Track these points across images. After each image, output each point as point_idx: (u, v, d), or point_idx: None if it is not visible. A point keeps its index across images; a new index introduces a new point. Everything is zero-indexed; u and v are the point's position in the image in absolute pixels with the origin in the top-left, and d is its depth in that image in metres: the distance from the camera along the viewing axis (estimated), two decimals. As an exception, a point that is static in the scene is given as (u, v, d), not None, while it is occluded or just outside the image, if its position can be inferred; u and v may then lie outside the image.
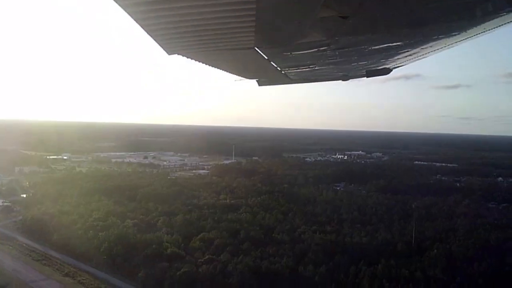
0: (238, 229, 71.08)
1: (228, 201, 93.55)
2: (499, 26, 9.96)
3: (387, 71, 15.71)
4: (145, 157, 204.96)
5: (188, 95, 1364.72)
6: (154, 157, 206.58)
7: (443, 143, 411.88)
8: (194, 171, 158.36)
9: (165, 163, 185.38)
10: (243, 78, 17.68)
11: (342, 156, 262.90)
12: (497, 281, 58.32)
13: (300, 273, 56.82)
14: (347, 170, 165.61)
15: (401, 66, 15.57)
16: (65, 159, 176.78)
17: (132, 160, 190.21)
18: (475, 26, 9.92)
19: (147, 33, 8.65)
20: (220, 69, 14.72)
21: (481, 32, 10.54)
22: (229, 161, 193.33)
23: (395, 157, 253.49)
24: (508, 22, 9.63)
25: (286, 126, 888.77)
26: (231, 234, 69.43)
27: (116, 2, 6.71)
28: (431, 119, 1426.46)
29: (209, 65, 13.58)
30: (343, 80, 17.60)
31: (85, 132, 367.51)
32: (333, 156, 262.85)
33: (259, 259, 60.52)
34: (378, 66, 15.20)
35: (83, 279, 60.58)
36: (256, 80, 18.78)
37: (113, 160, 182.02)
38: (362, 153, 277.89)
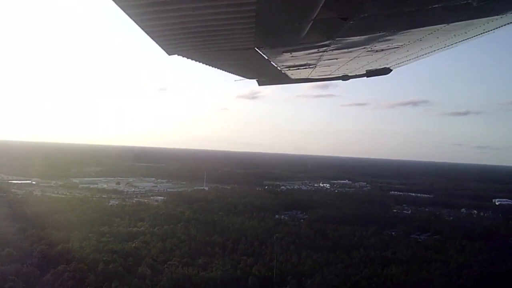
0: (107, 260, 66.56)
1: (135, 229, 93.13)
2: (500, 27, 10.17)
3: (387, 71, 16.16)
4: (118, 183, 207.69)
5: (196, 119, 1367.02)
6: (127, 183, 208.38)
7: (448, 173, 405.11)
8: (152, 197, 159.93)
9: (133, 189, 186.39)
10: (243, 78, 18.17)
11: (324, 184, 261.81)
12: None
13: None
14: (303, 199, 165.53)
15: (401, 66, 15.95)
16: (33, 183, 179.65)
17: (103, 185, 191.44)
18: (475, 26, 10.08)
19: (147, 34, 8.85)
20: (220, 69, 15.19)
21: (481, 33, 10.76)
22: (196, 188, 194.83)
23: (377, 187, 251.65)
24: (508, 23, 9.84)
25: (292, 152, 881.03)
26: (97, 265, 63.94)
27: (117, 4, 6.86)
28: (445, 148, 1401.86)
29: (209, 65, 14.00)
30: (343, 80, 17.85)
31: (79, 155, 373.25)
32: (315, 185, 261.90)
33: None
34: (378, 66, 15.53)
35: None
36: (256, 80, 19.34)
37: (82, 185, 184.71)
38: (348, 182, 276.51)
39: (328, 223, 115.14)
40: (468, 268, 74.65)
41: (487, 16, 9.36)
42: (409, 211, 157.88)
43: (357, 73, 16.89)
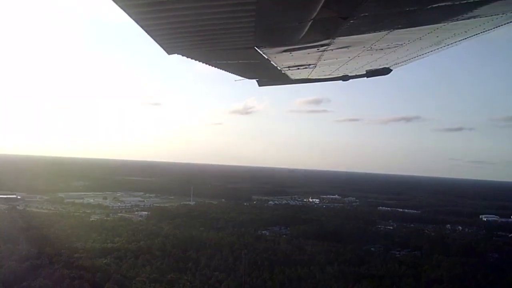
0: (73, 277, 64.69)
1: (110, 244, 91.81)
2: (500, 26, 10.19)
3: (387, 71, 16.12)
4: (105, 198, 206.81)
5: (191, 133, 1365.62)
6: (114, 198, 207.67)
7: (440, 188, 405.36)
8: (136, 212, 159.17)
9: (118, 204, 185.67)
10: (243, 78, 18.04)
11: (313, 200, 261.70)
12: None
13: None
14: (288, 214, 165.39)
15: (401, 65, 15.96)
16: (18, 198, 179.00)
17: (89, 200, 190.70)
18: (475, 25, 10.10)
19: (147, 32, 8.72)
20: (220, 68, 15.04)
21: (481, 32, 10.79)
22: (183, 203, 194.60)
23: (366, 202, 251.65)
24: (508, 22, 9.88)
25: (285, 166, 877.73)
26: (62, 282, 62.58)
27: (116, 4, 6.79)
28: (440, 163, 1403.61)
29: (209, 65, 13.88)
30: (343, 80, 17.70)
31: (68, 169, 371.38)
32: (304, 200, 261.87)
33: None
34: (378, 66, 15.50)
35: None
36: (256, 80, 19.17)
37: (67, 200, 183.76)
38: (338, 197, 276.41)
39: (309, 239, 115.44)
40: (438, 284, 74.82)
41: (487, 15, 9.37)
42: (393, 227, 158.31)
43: (357, 73, 16.89)
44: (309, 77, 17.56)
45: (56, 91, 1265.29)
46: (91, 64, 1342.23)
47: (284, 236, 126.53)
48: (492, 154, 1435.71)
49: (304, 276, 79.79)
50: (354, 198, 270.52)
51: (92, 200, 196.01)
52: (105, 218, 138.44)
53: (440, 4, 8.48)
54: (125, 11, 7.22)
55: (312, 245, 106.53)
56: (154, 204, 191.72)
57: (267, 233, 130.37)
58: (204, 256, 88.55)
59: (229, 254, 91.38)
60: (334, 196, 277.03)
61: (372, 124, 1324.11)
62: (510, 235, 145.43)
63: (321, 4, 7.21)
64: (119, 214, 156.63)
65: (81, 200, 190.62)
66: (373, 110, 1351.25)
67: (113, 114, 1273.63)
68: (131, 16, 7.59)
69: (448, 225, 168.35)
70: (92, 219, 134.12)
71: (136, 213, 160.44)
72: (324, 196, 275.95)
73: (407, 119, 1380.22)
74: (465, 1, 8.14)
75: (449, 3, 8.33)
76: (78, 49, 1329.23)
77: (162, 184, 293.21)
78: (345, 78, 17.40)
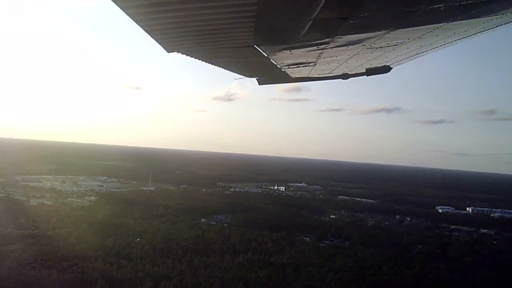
0: None
1: (29, 231, 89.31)
2: (499, 25, 10.24)
3: (387, 69, 16.14)
4: (63, 182, 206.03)
5: (174, 119, 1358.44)
6: (73, 182, 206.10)
7: (413, 178, 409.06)
8: (86, 197, 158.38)
9: (74, 188, 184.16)
10: (243, 77, 18.01)
11: (279, 187, 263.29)
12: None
13: None
14: (240, 202, 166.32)
15: (400, 64, 16.08)
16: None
17: (45, 184, 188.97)
18: (475, 25, 10.15)
19: (147, 32, 8.75)
20: (220, 67, 15.10)
21: (481, 32, 10.87)
22: (141, 189, 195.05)
23: (329, 191, 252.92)
24: (508, 22, 9.94)
25: (265, 153, 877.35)
26: None
27: (116, 4, 6.76)
28: (425, 154, 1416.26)
29: (209, 63, 13.83)
30: (343, 78, 17.71)
31: (46, 152, 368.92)
32: (270, 187, 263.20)
33: None
34: (378, 64, 15.54)
35: None
36: (256, 79, 19.09)
37: (21, 183, 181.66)
38: (304, 185, 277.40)
39: (245, 228, 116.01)
40: (333, 272, 75.98)
41: (487, 15, 9.44)
42: (337, 217, 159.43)
43: (357, 72, 16.93)
44: (309, 76, 17.55)
45: (36, 73, 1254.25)
46: (68, 45, 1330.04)
47: (225, 224, 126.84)
48: (474, 147, 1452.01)
49: (210, 263, 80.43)
50: (319, 187, 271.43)
51: (49, 184, 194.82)
52: (48, 203, 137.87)
53: (440, 4, 8.53)
54: (125, 11, 7.21)
55: (240, 234, 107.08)
56: (111, 189, 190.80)
57: (212, 221, 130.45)
58: (120, 244, 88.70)
59: (148, 242, 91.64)
60: (301, 184, 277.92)
61: (354, 114, 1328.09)
62: (452, 227, 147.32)
63: (321, 4, 7.25)
64: (68, 199, 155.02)
65: (36, 184, 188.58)
66: (354, 100, 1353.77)
67: (94, 97, 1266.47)
68: (131, 16, 7.57)
69: (398, 216, 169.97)
70: (32, 203, 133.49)
71: (86, 198, 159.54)
72: (291, 184, 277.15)
73: (388, 110, 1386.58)
74: (465, 1, 8.21)
75: (449, 3, 8.41)
76: (56, 29, 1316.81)
77: (131, 169, 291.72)
78: (345, 76, 17.48)
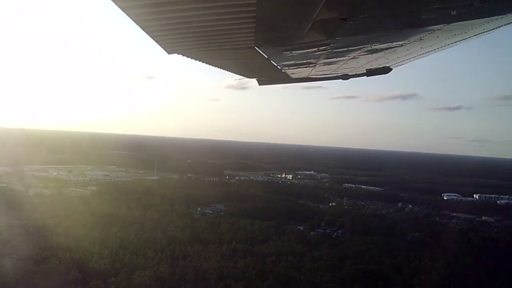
0: None
1: (16, 221, 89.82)
2: (500, 27, 10.23)
3: (387, 70, 16.17)
4: (70, 171, 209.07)
5: (188, 108, 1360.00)
6: (80, 172, 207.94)
7: (428, 165, 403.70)
8: (88, 187, 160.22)
9: (79, 178, 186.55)
10: (243, 77, 18.23)
11: (286, 176, 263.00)
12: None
13: None
14: (240, 191, 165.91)
15: (401, 64, 16.06)
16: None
17: (52, 174, 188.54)
18: (475, 26, 10.15)
19: (147, 33, 8.83)
20: (220, 68, 15.20)
21: (481, 33, 10.83)
22: (145, 178, 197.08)
23: (336, 179, 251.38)
24: (508, 23, 9.89)
25: (279, 142, 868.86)
26: None
27: (116, 4, 6.81)
28: (443, 140, 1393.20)
29: (209, 64, 13.94)
30: (343, 79, 17.74)
31: (60, 141, 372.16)
32: (278, 175, 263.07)
33: None
34: (378, 65, 15.55)
35: None
36: (256, 79, 19.19)
37: (28, 173, 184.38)
38: (313, 173, 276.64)
39: (235, 217, 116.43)
40: (312, 262, 75.93)
41: (487, 16, 9.43)
42: (335, 205, 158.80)
43: (357, 72, 16.91)
44: (309, 76, 17.62)
45: (55, 65, 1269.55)
46: (83, 39, 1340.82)
47: (222, 213, 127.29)
48: (494, 133, 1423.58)
49: (192, 254, 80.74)
50: (328, 174, 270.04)
51: (55, 174, 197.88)
52: (46, 192, 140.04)
53: (440, 5, 8.54)
54: (125, 11, 7.27)
55: (232, 223, 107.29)
56: (116, 179, 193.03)
57: (208, 211, 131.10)
58: (106, 234, 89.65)
59: (133, 231, 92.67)
60: (309, 172, 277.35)
61: (369, 101, 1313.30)
62: (453, 214, 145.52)
63: (321, 4, 7.29)
64: (70, 188, 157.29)
65: (43, 174, 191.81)
66: (369, 89, 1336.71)
67: (109, 88, 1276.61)
68: (131, 17, 7.62)
69: (400, 203, 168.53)
70: (31, 193, 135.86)
71: (88, 188, 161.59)
72: (300, 172, 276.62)
73: (403, 97, 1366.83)
74: (465, 2, 8.23)
75: (449, 4, 8.47)
76: (69, 21, 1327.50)
77: (142, 158, 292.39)
78: (345, 77, 17.52)
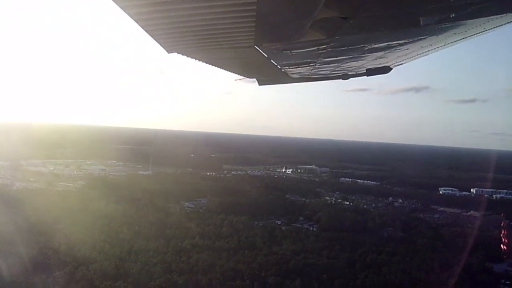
0: None
1: None
2: (500, 26, 10.26)
3: (387, 69, 16.17)
4: (67, 166, 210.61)
5: (201, 102, 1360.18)
6: (78, 166, 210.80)
7: (435, 159, 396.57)
8: (78, 182, 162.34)
9: (73, 172, 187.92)
10: (243, 77, 18.28)
11: (287, 170, 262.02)
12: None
13: None
14: (229, 186, 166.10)
15: (401, 64, 16.12)
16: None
17: (48, 168, 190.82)
18: (476, 25, 10.20)
19: (147, 32, 8.85)
20: (220, 67, 15.15)
21: (481, 32, 10.86)
22: (139, 173, 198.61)
23: (334, 173, 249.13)
24: (508, 22, 9.93)
25: (288, 135, 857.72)
26: None
27: (116, 3, 6.84)
28: (460, 134, 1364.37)
29: (209, 64, 13.90)
30: (343, 79, 17.79)
31: (66, 136, 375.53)
32: (277, 170, 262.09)
33: None
34: (378, 65, 15.55)
35: None
36: (256, 79, 19.35)
37: (24, 167, 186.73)
38: (314, 167, 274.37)
39: (212, 212, 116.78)
40: (264, 256, 75.89)
41: (488, 16, 9.44)
42: (319, 200, 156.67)
43: (357, 72, 16.98)
44: (309, 76, 17.68)
45: (65, 59, 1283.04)
46: (92, 36, 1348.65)
47: (204, 208, 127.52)
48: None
49: (149, 249, 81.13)
50: (328, 169, 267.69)
51: (51, 168, 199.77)
52: (32, 186, 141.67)
53: (440, 5, 8.60)
54: (125, 11, 7.35)
55: (205, 218, 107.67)
56: (110, 174, 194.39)
57: (191, 205, 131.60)
58: (74, 230, 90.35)
59: (99, 227, 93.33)
60: (310, 167, 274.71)
61: (381, 94, 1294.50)
62: (440, 209, 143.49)
63: (321, 4, 7.32)
64: (60, 183, 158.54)
65: (38, 168, 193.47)
66: (381, 80, 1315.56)
67: (120, 81, 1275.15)
68: (131, 16, 7.68)
69: (390, 198, 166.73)
70: (16, 187, 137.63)
71: (78, 182, 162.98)
72: (301, 166, 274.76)
73: (417, 89, 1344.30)
74: (465, 1, 8.27)
75: (449, 3, 8.46)
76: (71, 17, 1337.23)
77: (145, 153, 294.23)
78: (345, 76, 17.61)
